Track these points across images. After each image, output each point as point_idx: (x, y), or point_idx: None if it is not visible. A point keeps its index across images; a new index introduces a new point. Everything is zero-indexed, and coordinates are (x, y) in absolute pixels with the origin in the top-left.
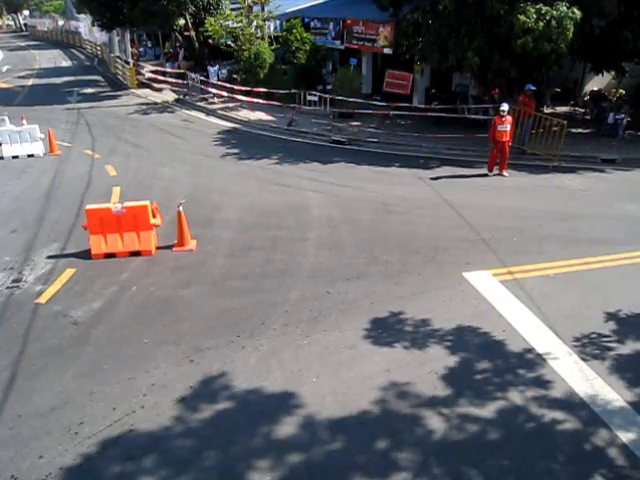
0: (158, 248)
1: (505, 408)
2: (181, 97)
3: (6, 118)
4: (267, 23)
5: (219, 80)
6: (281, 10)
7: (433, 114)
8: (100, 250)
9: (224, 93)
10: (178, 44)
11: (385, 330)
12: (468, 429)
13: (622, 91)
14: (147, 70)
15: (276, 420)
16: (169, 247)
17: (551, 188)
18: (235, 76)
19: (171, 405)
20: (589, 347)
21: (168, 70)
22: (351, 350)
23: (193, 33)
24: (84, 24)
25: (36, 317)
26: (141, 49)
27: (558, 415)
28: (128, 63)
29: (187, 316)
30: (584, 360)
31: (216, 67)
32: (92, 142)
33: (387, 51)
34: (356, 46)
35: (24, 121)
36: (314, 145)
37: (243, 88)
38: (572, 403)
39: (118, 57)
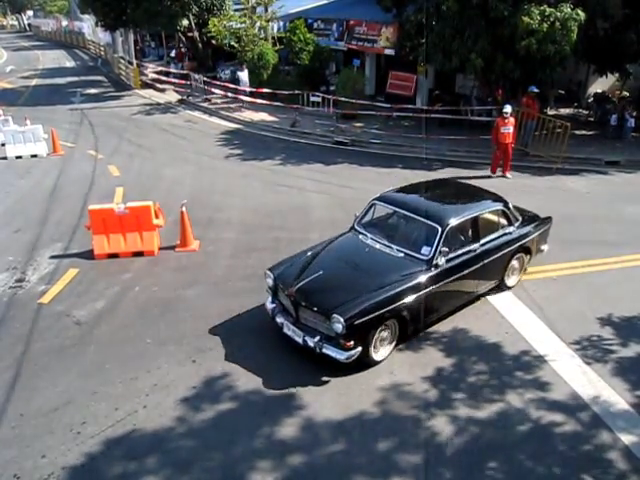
0: (161, 249)
1: (506, 410)
2: (184, 98)
3: (10, 118)
4: (270, 24)
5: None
6: (284, 11)
7: (436, 115)
8: (103, 250)
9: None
10: (182, 45)
11: None
12: (470, 431)
13: (626, 93)
14: (150, 71)
15: (278, 421)
16: (172, 248)
17: (554, 190)
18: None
19: (173, 405)
20: (592, 349)
21: (171, 70)
22: None
23: (196, 34)
24: (88, 24)
25: (39, 317)
26: (145, 49)
27: (560, 417)
28: (132, 64)
29: (189, 316)
30: (586, 362)
31: (246, 71)
32: (95, 142)
33: (388, 52)
34: (356, 46)
35: (27, 121)
36: (317, 146)
37: (247, 89)
38: (574, 405)
39: (122, 57)
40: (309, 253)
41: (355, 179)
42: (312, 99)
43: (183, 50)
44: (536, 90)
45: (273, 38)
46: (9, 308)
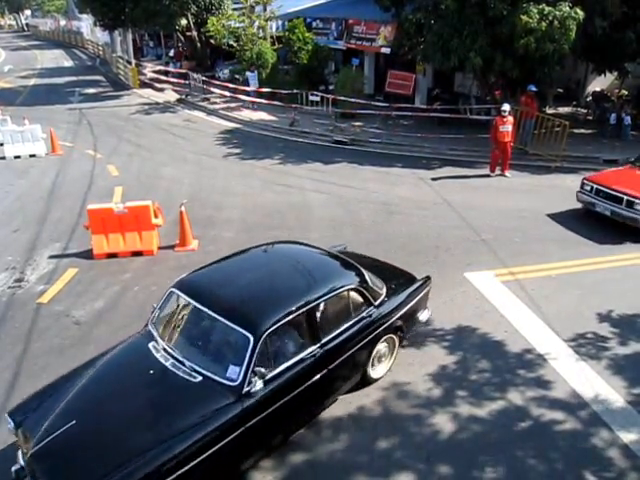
0: (160, 248)
1: (506, 408)
2: (183, 97)
3: (8, 118)
4: (269, 23)
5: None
6: (283, 10)
7: (435, 114)
8: (102, 250)
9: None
10: (180, 44)
11: None
12: (470, 429)
13: (625, 92)
14: (149, 70)
15: None
16: (171, 247)
17: (553, 189)
18: (237, 76)
19: None
20: (590, 347)
21: (170, 70)
22: None
23: (195, 33)
24: (86, 24)
25: (38, 317)
26: (143, 49)
27: (559, 415)
28: (130, 63)
29: None
30: (585, 360)
31: (255, 73)
32: (94, 142)
33: (384, 51)
34: (355, 46)
35: (26, 121)
36: (316, 145)
37: (247, 88)
38: (573, 403)
39: (120, 57)
40: (84, 375)
41: (354, 178)
42: (311, 98)
43: (182, 49)
44: (535, 89)
45: (272, 37)
46: (8, 308)
